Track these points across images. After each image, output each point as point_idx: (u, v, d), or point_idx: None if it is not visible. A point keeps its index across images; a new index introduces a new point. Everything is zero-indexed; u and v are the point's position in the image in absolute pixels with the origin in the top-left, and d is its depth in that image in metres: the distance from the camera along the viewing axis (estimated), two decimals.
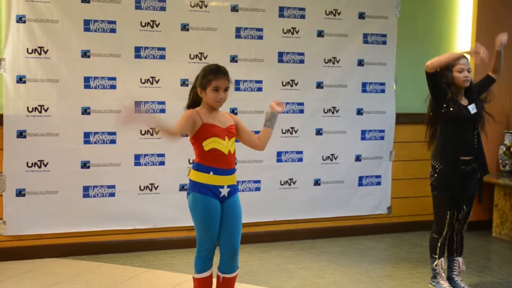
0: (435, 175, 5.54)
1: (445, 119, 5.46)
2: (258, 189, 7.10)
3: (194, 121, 4.44)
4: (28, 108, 6.26)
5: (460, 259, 5.70)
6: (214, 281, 4.62)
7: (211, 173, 4.46)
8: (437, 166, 5.52)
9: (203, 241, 4.53)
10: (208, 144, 4.45)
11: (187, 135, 4.51)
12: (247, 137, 4.70)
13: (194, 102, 4.60)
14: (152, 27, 6.62)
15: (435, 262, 5.58)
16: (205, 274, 4.57)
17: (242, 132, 4.67)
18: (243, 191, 7.01)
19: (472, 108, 5.52)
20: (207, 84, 4.45)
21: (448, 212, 5.52)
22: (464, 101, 5.53)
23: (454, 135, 5.46)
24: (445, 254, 5.66)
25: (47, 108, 6.32)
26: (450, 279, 5.66)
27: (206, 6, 6.79)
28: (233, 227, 4.57)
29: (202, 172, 4.48)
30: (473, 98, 5.56)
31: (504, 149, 7.84)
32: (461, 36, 7.95)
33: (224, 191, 4.51)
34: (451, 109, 5.43)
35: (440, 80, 5.43)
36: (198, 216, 4.50)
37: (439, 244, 5.56)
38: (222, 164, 4.49)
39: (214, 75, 4.46)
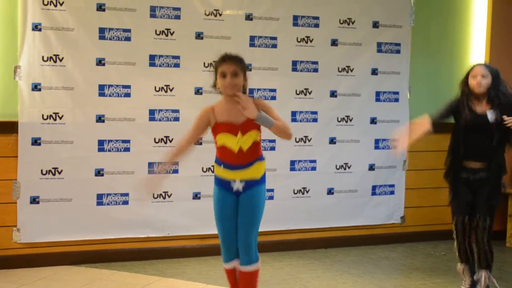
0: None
1: (455, 123, 5.61)
2: (271, 198, 7.08)
3: (208, 119, 4.55)
4: (43, 115, 6.29)
5: (483, 272, 5.67)
6: None
7: (222, 166, 4.54)
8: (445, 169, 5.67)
9: (218, 231, 4.63)
10: (219, 140, 4.54)
11: (200, 143, 4.54)
12: None
13: None
14: (166, 35, 6.64)
15: (458, 267, 5.69)
16: (226, 266, 4.68)
17: None
18: None
19: (488, 115, 5.51)
20: (216, 72, 4.53)
21: (455, 217, 5.59)
22: (480, 108, 5.54)
23: (461, 139, 5.54)
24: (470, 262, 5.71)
25: (62, 116, 6.35)
26: None
27: (220, 15, 6.81)
28: (244, 221, 4.58)
29: (216, 164, 4.60)
30: (495, 107, 5.52)
31: None
32: (476, 45, 7.93)
33: (237, 186, 4.55)
34: (461, 113, 5.55)
35: (446, 116, 5.62)
36: (214, 207, 4.62)
37: (456, 249, 5.63)
38: (231, 160, 4.53)
39: (219, 61, 4.54)
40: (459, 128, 5.57)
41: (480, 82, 5.50)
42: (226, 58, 4.54)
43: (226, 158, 4.54)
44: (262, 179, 4.64)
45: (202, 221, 6.61)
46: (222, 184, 4.58)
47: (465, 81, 5.59)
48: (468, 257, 5.68)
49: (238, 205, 4.59)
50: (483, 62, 5.89)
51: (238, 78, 4.50)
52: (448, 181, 5.67)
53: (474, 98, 5.55)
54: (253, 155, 4.55)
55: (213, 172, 4.77)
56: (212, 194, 4.66)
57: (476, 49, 7.93)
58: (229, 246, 4.63)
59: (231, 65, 4.50)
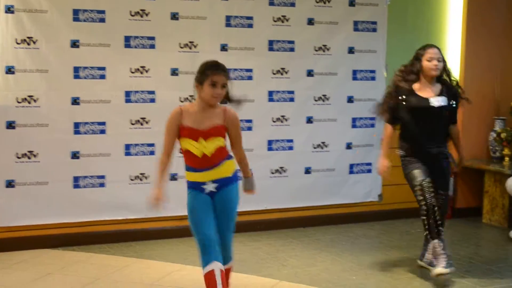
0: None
1: (405, 109, 5.64)
2: None
3: (178, 121, 4.50)
4: (17, 99, 6.27)
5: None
6: None
7: (191, 171, 4.55)
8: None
9: (198, 233, 4.53)
10: (182, 144, 4.53)
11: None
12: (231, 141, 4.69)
13: None
14: (141, 16, 6.61)
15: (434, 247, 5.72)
16: (208, 268, 4.48)
17: (229, 135, 4.66)
18: None
19: (436, 101, 5.61)
20: (205, 79, 4.44)
21: (419, 178, 5.65)
22: (429, 93, 5.64)
23: (414, 125, 5.62)
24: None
25: (37, 99, 6.33)
26: None
27: None
28: (221, 220, 4.59)
29: (186, 171, 4.59)
30: (445, 92, 5.67)
31: (495, 135, 7.90)
32: (452, 23, 7.98)
33: (210, 187, 4.55)
34: (410, 101, 5.61)
35: (397, 111, 5.69)
36: (190, 211, 4.55)
37: (426, 223, 5.68)
38: (197, 164, 4.54)
39: (212, 70, 4.46)
40: (407, 115, 5.63)
41: (437, 66, 5.58)
42: (219, 69, 4.50)
43: (192, 163, 4.54)
44: (234, 177, 4.64)
45: (179, 202, 6.57)
46: (195, 186, 4.56)
47: (414, 62, 5.64)
48: (439, 231, 5.64)
49: (214, 206, 4.58)
50: (434, 43, 5.94)
51: (224, 90, 4.51)
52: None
53: (424, 82, 5.62)
54: (219, 157, 4.55)
55: None
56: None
57: (452, 26, 7.98)
58: (211, 244, 4.50)
59: (223, 77, 4.49)
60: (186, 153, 4.54)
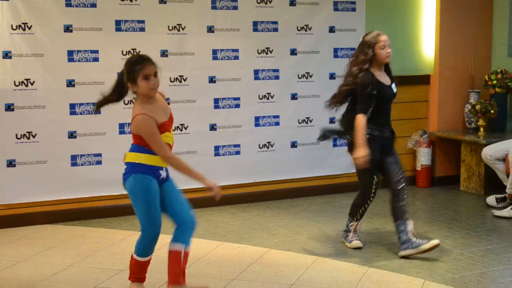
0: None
1: (375, 98, 5.59)
2: (238, 152, 7.35)
3: (155, 123, 4.38)
4: (14, 82, 6.43)
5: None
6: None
7: (152, 154, 4.43)
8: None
9: (150, 221, 4.53)
10: (164, 139, 4.46)
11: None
12: None
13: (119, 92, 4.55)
14: (131, 0, 6.78)
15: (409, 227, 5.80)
16: (146, 258, 4.67)
17: None
18: (223, 155, 7.29)
19: (394, 87, 5.75)
20: (136, 75, 4.36)
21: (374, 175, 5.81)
22: (386, 80, 5.70)
23: (381, 113, 5.66)
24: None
25: (33, 82, 6.50)
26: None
27: None
28: (182, 201, 4.62)
29: (143, 153, 4.44)
30: (392, 76, 5.78)
31: (470, 107, 8.05)
32: (427, 1, 8.15)
33: (163, 174, 4.55)
34: (379, 89, 5.60)
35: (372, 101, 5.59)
36: (141, 197, 4.46)
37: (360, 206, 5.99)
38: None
39: (140, 64, 4.38)
40: (376, 102, 5.61)
41: (390, 53, 5.62)
42: (145, 61, 4.41)
43: None
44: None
45: (174, 175, 6.84)
46: (152, 171, 4.45)
47: (366, 51, 5.58)
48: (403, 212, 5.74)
49: (166, 191, 4.56)
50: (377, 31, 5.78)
51: (157, 78, 4.43)
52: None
53: (376, 69, 5.64)
54: None
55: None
56: (131, 186, 4.50)
57: (426, 3, 8.14)
58: (157, 234, 4.56)
59: (152, 66, 4.40)
60: None
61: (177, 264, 4.54)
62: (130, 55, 6.66)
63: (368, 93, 5.54)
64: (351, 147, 5.74)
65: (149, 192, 4.46)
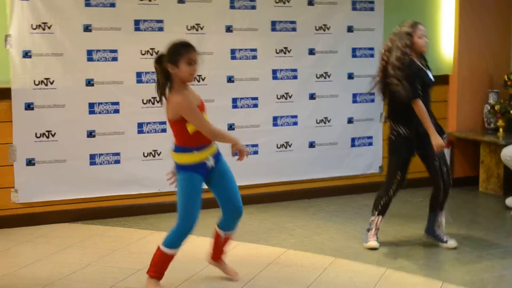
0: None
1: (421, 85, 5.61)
2: (256, 152, 7.34)
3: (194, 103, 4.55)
4: (34, 81, 6.47)
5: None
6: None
7: (195, 151, 4.58)
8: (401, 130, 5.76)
9: (190, 216, 4.64)
10: (191, 126, 4.54)
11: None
12: None
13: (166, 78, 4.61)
14: (150, 0, 6.80)
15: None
16: (175, 251, 4.73)
17: None
18: None
19: (431, 74, 5.75)
20: (180, 58, 4.45)
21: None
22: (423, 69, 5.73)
23: (425, 101, 5.64)
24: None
25: (53, 81, 6.52)
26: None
27: None
28: (235, 187, 4.79)
29: (186, 153, 4.59)
30: (427, 65, 5.80)
31: (489, 107, 8.01)
32: (446, 1, 8.13)
33: (211, 162, 4.66)
34: (422, 76, 5.63)
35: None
36: (184, 189, 4.62)
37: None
38: (205, 141, 4.62)
39: (186, 48, 4.49)
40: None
41: (427, 42, 5.66)
42: (191, 46, 4.51)
43: (200, 140, 4.59)
44: (219, 150, 4.78)
45: None
46: (196, 169, 4.60)
47: (406, 42, 5.57)
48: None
49: (217, 178, 4.71)
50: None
51: (197, 66, 4.54)
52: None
53: (415, 58, 5.64)
54: None
55: None
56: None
57: (446, 2, 8.11)
58: (190, 227, 4.64)
59: (196, 53, 4.51)
60: (194, 134, 4.56)
61: (226, 246, 4.99)
62: (148, 55, 6.78)
63: (416, 77, 5.54)
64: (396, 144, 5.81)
65: (191, 186, 4.59)
